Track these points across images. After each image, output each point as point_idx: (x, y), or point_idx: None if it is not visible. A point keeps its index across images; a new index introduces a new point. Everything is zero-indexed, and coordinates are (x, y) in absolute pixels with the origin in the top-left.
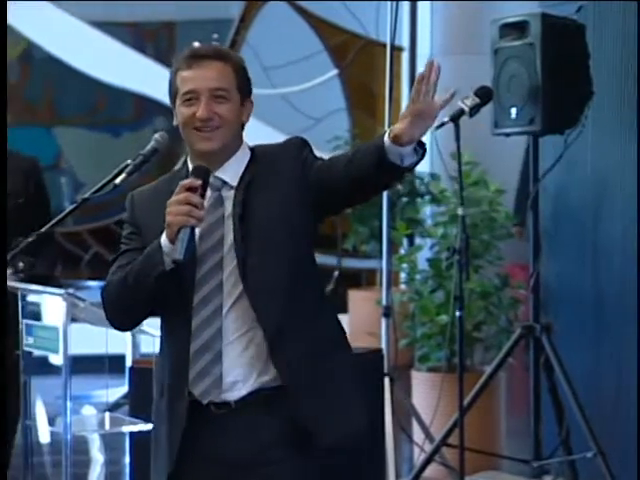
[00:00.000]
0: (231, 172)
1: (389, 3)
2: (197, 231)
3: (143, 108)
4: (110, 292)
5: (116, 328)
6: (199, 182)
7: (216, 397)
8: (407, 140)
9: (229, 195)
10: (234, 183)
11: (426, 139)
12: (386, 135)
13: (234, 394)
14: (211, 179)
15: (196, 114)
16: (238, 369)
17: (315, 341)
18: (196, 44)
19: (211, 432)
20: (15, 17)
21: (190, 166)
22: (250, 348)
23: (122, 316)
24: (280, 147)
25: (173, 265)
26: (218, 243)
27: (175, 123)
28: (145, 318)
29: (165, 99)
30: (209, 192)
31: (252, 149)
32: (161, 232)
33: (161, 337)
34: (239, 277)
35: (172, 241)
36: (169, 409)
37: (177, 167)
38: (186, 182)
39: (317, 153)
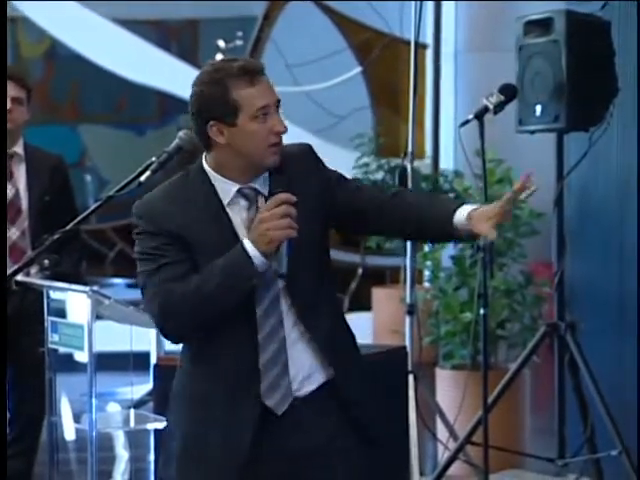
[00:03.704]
0: (261, 180)
1: (413, 2)
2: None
3: (167, 106)
4: (172, 304)
5: (170, 339)
6: (294, 198)
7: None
8: (479, 234)
9: (262, 204)
10: (265, 192)
11: (450, 135)
12: (459, 213)
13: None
14: (247, 190)
15: (274, 128)
16: (300, 372)
17: (349, 343)
18: (221, 43)
19: (275, 428)
20: (39, 15)
21: (214, 175)
22: (308, 350)
23: (185, 328)
24: (294, 155)
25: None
26: None
27: (223, 141)
28: (206, 331)
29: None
30: (245, 203)
31: None
32: (217, 242)
33: (199, 348)
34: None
35: (267, 255)
36: (231, 414)
37: (190, 173)
38: (282, 196)
39: (340, 151)
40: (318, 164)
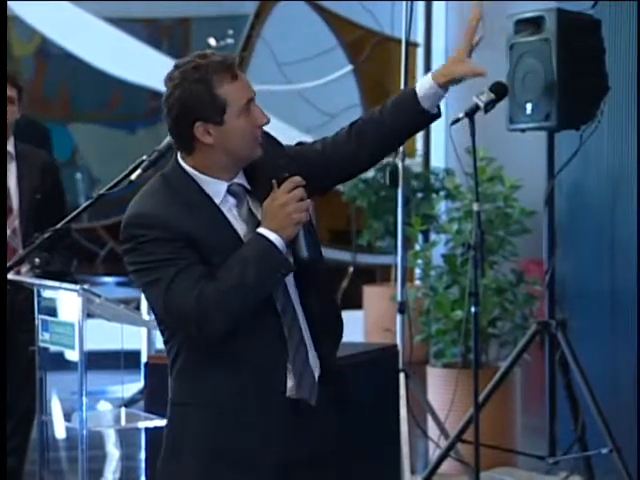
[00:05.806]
0: (241, 175)
1: (404, 1)
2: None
3: (158, 104)
4: (214, 302)
5: (211, 338)
6: (304, 181)
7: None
8: (453, 80)
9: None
10: (248, 186)
11: (441, 134)
12: (419, 85)
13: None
14: (235, 188)
15: (258, 122)
16: (313, 360)
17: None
18: (212, 41)
19: (302, 423)
20: (30, 13)
21: (199, 176)
22: (308, 342)
23: (228, 323)
24: None
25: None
26: None
27: (210, 141)
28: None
29: None
30: (233, 200)
31: None
32: (223, 243)
33: (216, 352)
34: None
35: (289, 240)
36: (265, 414)
37: (168, 176)
38: (296, 179)
39: None
40: (278, 145)
